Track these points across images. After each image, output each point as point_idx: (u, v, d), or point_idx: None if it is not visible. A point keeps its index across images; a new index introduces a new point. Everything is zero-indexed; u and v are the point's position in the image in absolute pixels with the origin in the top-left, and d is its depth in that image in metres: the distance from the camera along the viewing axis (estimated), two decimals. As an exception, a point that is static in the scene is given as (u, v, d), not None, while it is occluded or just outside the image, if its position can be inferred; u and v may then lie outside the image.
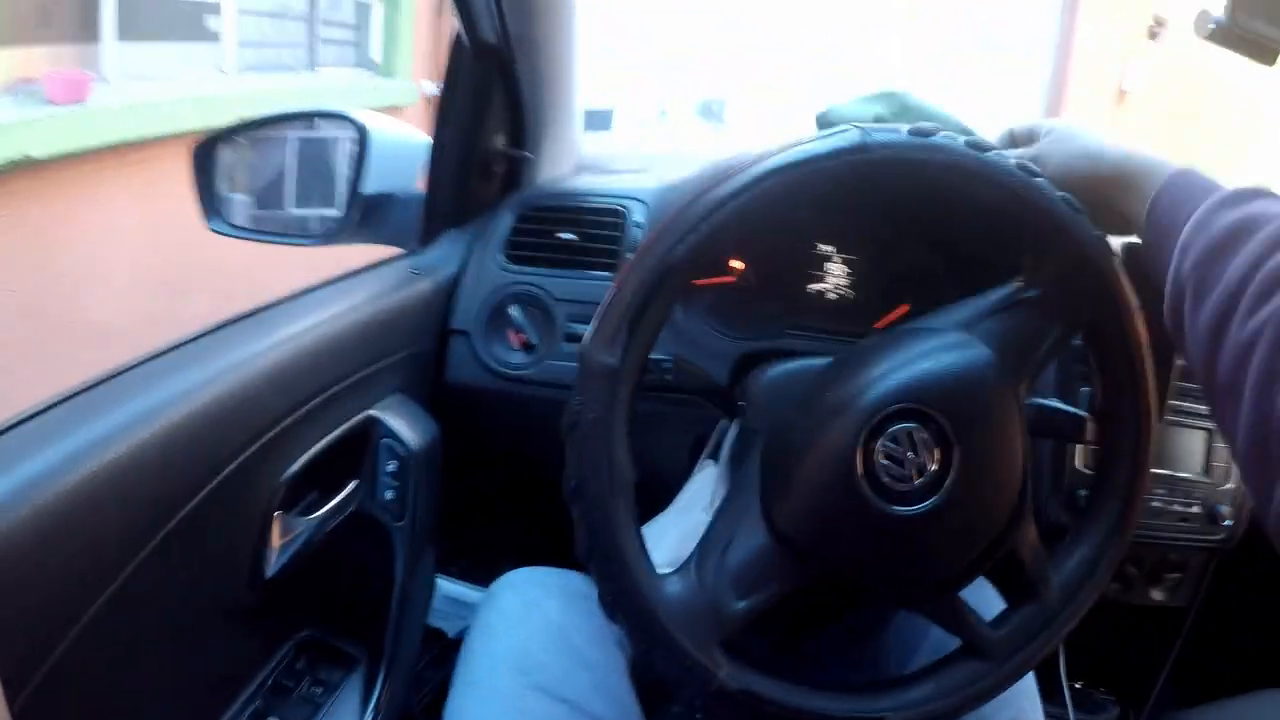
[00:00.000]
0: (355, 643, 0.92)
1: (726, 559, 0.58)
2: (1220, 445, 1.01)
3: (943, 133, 0.57)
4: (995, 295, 0.59)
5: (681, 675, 0.57)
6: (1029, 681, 0.77)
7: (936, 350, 0.57)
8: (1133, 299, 0.59)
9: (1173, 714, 1.17)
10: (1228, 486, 1.00)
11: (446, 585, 1.13)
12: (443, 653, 1.16)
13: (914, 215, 0.89)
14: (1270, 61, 0.64)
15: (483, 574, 1.01)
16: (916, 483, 0.54)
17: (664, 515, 0.80)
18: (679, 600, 0.57)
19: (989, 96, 5.36)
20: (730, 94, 5.33)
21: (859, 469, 0.54)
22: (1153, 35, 4.72)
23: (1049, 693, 1.14)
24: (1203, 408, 0.99)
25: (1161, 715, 1.23)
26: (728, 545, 0.58)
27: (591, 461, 0.55)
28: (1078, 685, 1.24)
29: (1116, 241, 0.70)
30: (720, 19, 5.35)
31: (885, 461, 0.54)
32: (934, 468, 0.54)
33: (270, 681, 0.86)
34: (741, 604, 0.57)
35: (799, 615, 0.99)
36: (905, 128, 0.56)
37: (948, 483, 0.54)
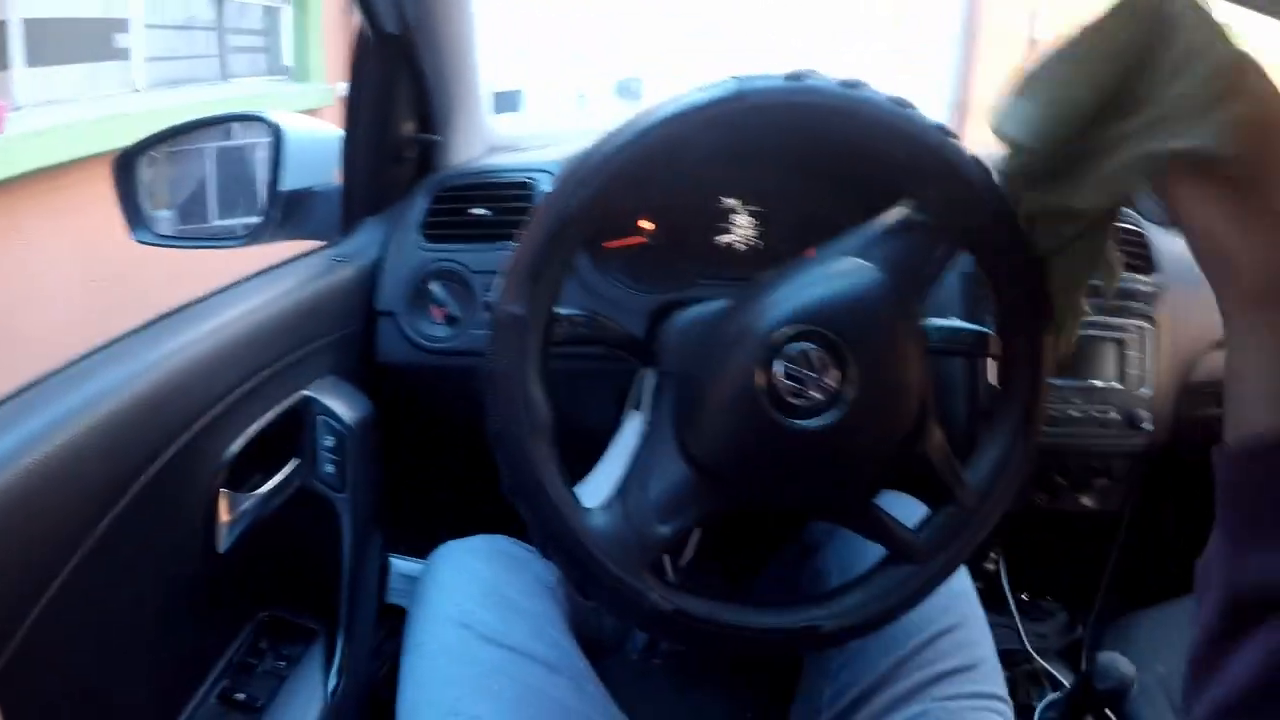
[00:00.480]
0: (313, 617, 0.97)
1: (647, 490, 0.62)
2: (1132, 354, 1.07)
3: (816, 75, 0.59)
4: (883, 222, 0.63)
5: (615, 601, 0.60)
6: (968, 588, 0.82)
7: (828, 276, 0.61)
8: (1012, 214, 0.61)
9: (1118, 618, 1.25)
10: (1143, 392, 1.07)
11: (402, 564, 1.16)
12: (401, 627, 1.20)
13: (811, 162, 0.95)
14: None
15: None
16: (818, 398, 0.58)
17: (597, 467, 0.84)
18: (605, 530, 0.60)
19: (902, 54, 5.48)
20: (648, 73, 5.35)
21: (762, 390, 0.58)
22: (1059, -15, 4.86)
23: (996, 605, 1.23)
24: (1113, 319, 1.07)
25: (1106, 619, 1.29)
26: (648, 477, 0.62)
27: (508, 405, 0.58)
28: (1024, 596, 1.30)
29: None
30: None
31: (786, 381, 0.58)
32: (833, 384, 0.58)
33: (236, 660, 0.90)
34: (664, 529, 0.61)
35: (741, 544, 1.05)
36: (781, 73, 0.59)
37: (847, 395, 0.58)
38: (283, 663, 0.93)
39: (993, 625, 0.82)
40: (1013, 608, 1.20)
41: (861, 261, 0.61)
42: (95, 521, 0.64)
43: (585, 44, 5.37)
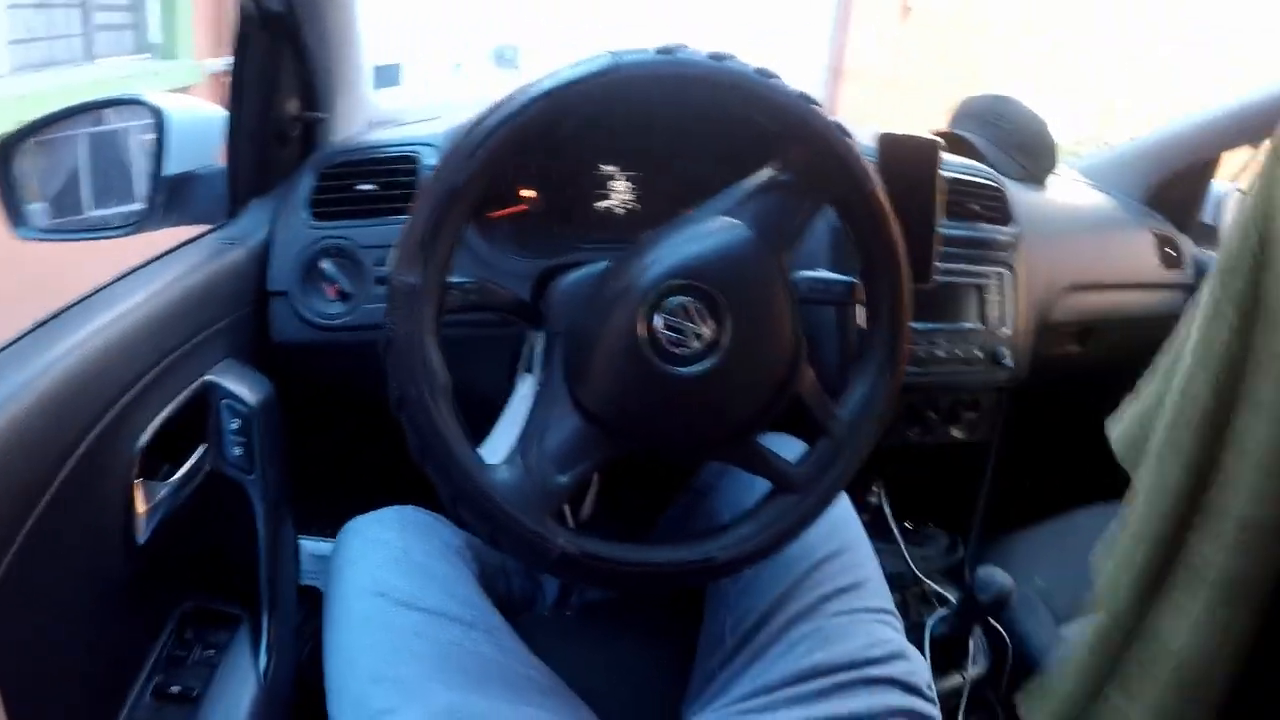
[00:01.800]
0: (235, 604, 0.97)
1: (545, 443, 0.66)
2: (992, 298, 1.16)
3: (686, 48, 0.64)
4: (752, 182, 0.68)
5: (525, 550, 0.65)
6: (850, 515, 0.88)
7: (701, 234, 0.66)
8: (871, 171, 0.68)
9: (995, 538, 1.35)
10: (1004, 331, 1.17)
11: (313, 545, 1.16)
12: (318, 607, 1.21)
13: (685, 129, 0.99)
14: None
15: (347, 529, 1.06)
16: (696, 347, 0.64)
17: (495, 429, 0.87)
18: (508, 484, 0.64)
19: (777, 19, 5.57)
20: (524, 40, 5.28)
21: (644, 340, 0.63)
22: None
23: (882, 534, 1.31)
24: (974, 267, 1.15)
25: (985, 540, 1.39)
26: (544, 432, 0.66)
27: (408, 370, 0.62)
28: (907, 524, 1.39)
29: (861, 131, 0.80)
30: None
31: (667, 332, 0.63)
32: (710, 333, 0.64)
33: (166, 653, 0.90)
34: (563, 478, 0.65)
35: (638, 493, 1.10)
36: (653, 47, 0.64)
37: (724, 343, 0.64)
38: (211, 651, 0.93)
39: (880, 552, 0.88)
40: (897, 535, 1.29)
41: (732, 219, 0.66)
42: (15, 527, 0.63)
43: (459, 12, 5.25)
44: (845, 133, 0.68)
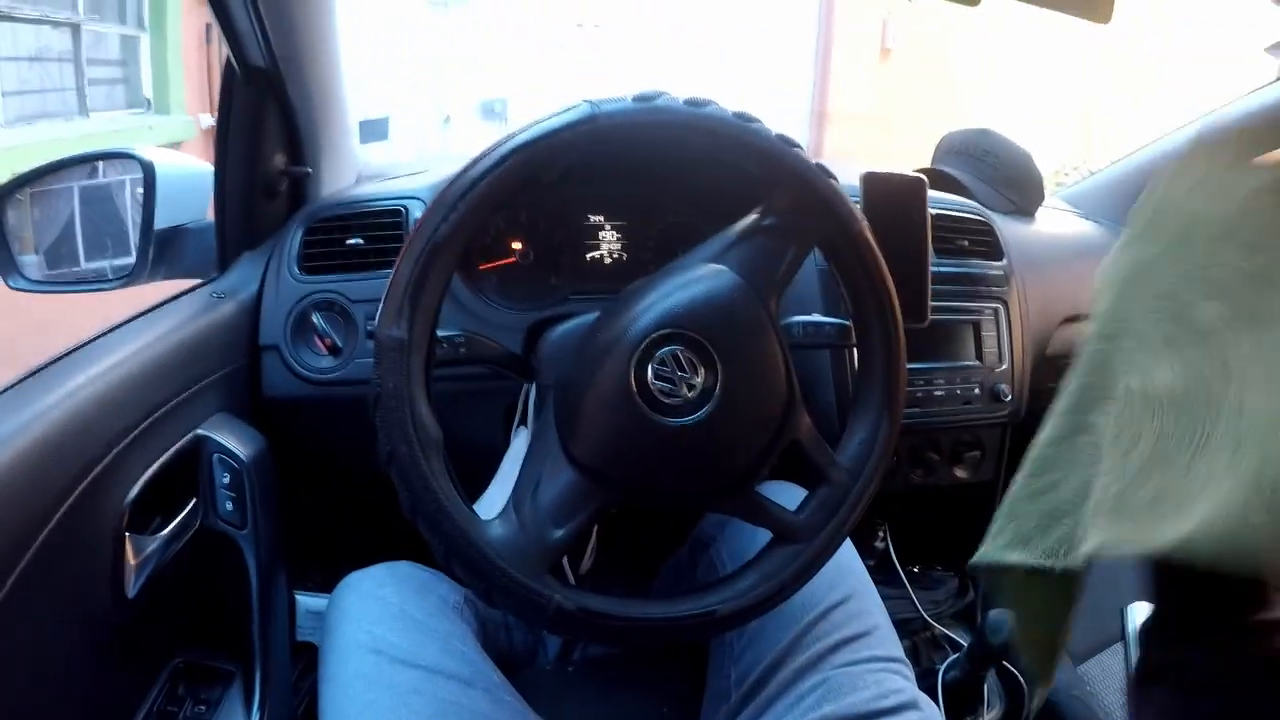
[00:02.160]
0: (227, 659, 0.96)
1: (539, 498, 0.64)
2: (988, 334, 1.15)
3: (665, 96, 0.64)
4: (737, 228, 0.68)
5: (520, 606, 0.63)
6: (855, 562, 0.86)
7: (689, 282, 0.65)
8: (856, 212, 0.68)
9: None
10: (1002, 368, 1.15)
11: (309, 600, 1.15)
12: (314, 663, 1.19)
13: (669, 177, 1.00)
14: None
15: (343, 584, 1.04)
16: (689, 396, 0.62)
17: (492, 484, 0.86)
18: (502, 539, 0.63)
19: (761, 65, 5.66)
20: (512, 93, 5.36)
21: (634, 392, 0.62)
22: (909, -2, 5.12)
23: (890, 580, 1.29)
24: (968, 304, 1.15)
25: None
26: (537, 486, 0.65)
27: (397, 426, 0.60)
28: (915, 569, 1.37)
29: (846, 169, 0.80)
30: (497, 21, 5.37)
31: (658, 382, 0.62)
32: (702, 381, 0.63)
33: (156, 708, 0.89)
34: (559, 533, 0.63)
35: (637, 547, 1.08)
36: (632, 95, 0.63)
37: (716, 392, 0.63)
38: (203, 707, 0.92)
39: (888, 598, 0.86)
40: (904, 580, 1.27)
41: (718, 266, 0.66)
42: (3, 577, 0.63)
43: (447, 67, 5.34)
44: (828, 174, 0.67)
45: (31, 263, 1.05)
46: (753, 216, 0.68)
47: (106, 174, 1.12)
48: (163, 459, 0.81)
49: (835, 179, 0.68)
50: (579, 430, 0.65)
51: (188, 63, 3.66)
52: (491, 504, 0.79)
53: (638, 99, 0.63)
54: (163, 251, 1.00)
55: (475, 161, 0.62)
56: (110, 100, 3.53)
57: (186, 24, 3.62)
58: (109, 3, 3.53)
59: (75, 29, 3.26)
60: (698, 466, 0.65)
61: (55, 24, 3.20)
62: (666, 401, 0.62)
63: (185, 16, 3.60)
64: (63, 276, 1.09)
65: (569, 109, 0.63)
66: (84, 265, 1.11)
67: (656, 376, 0.62)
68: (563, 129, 0.62)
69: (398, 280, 0.62)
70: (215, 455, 0.88)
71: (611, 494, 0.65)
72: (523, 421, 0.90)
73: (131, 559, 0.78)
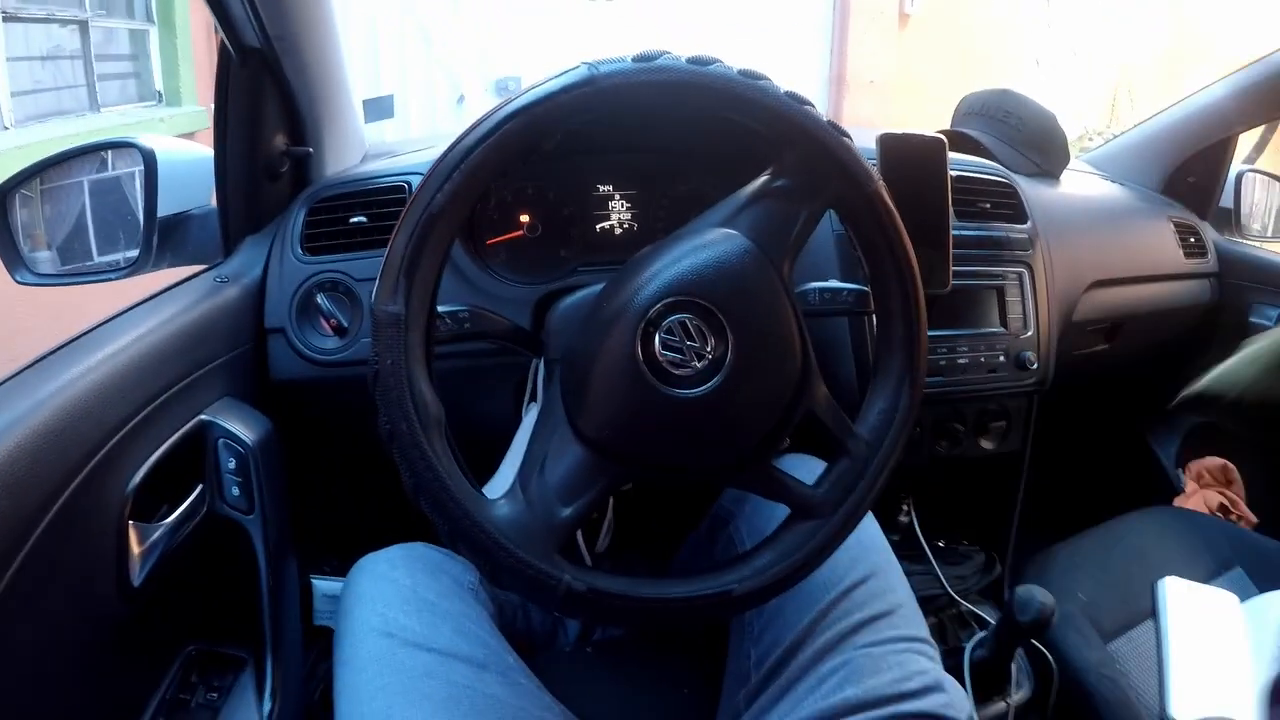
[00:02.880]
0: (240, 646, 0.95)
1: (545, 475, 0.62)
2: (1012, 299, 1.11)
3: (667, 55, 0.61)
4: (748, 190, 0.65)
5: (528, 587, 0.61)
6: (878, 538, 0.83)
7: (698, 247, 0.62)
8: (871, 171, 0.64)
9: (1034, 553, 1.31)
10: (1028, 335, 1.11)
11: (324, 584, 1.15)
12: (330, 647, 1.19)
13: (680, 143, 0.97)
14: None
15: (356, 567, 1.04)
16: (699, 366, 0.60)
17: (503, 463, 0.85)
18: (509, 519, 0.61)
19: (778, 31, 5.59)
20: (526, 71, 5.33)
21: (642, 362, 0.59)
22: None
23: (914, 555, 1.26)
24: (992, 268, 1.11)
25: (1023, 555, 1.31)
26: (544, 463, 0.63)
27: (396, 404, 0.58)
28: (940, 544, 1.34)
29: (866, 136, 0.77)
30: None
31: (666, 353, 0.59)
32: (712, 351, 0.60)
33: (168, 697, 0.88)
34: (567, 511, 0.61)
35: (655, 526, 1.06)
36: (632, 56, 0.61)
37: (727, 361, 0.60)
38: (215, 694, 0.91)
39: (912, 574, 0.84)
40: (929, 555, 1.24)
41: (729, 230, 0.63)
42: (3, 565, 0.62)
43: (462, 46, 5.31)
44: (841, 132, 0.64)
45: (45, 258, 1.05)
46: (763, 178, 0.65)
47: (115, 166, 1.12)
48: (166, 445, 0.80)
49: (849, 136, 0.65)
50: (586, 404, 0.62)
51: (197, 53, 3.67)
52: (503, 483, 0.77)
53: (638, 59, 0.60)
54: (167, 239, 0.99)
55: (472, 128, 0.60)
56: (122, 95, 3.55)
57: (194, 15, 3.62)
58: (117, -1, 3.55)
59: (83, 26, 3.27)
60: (709, 440, 0.63)
61: (64, 22, 3.21)
62: (675, 372, 0.60)
63: (193, 8, 3.60)
64: (70, 270, 1.08)
65: (566, 71, 0.60)
66: (94, 258, 1.11)
67: (665, 346, 0.60)
68: (560, 92, 0.59)
69: (393, 253, 0.59)
70: (220, 440, 0.86)
71: (620, 470, 0.63)
72: (533, 398, 0.88)
73: (135, 547, 0.77)
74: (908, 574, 0.82)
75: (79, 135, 3.01)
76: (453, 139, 0.61)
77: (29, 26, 3.06)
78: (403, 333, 0.59)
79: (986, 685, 1.10)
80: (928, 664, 0.73)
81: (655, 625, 0.85)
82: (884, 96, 5.69)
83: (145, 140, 1.00)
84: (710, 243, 0.62)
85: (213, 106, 0.99)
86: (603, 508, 0.89)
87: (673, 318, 0.60)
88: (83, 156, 1.06)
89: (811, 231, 0.66)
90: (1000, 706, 1.08)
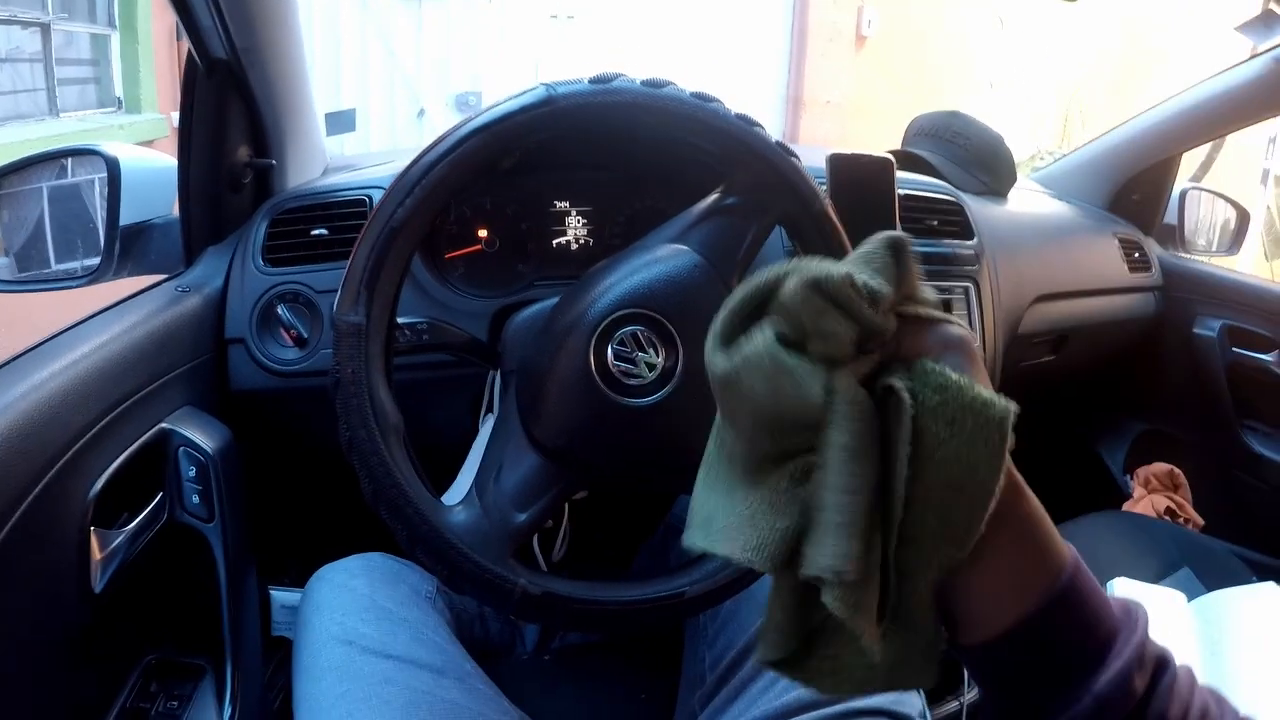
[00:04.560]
0: (199, 654, 0.95)
1: (501, 482, 0.64)
2: (959, 313, 1.15)
3: (622, 78, 0.64)
4: (699, 208, 0.68)
5: (484, 592, 0.62)
6: None
7: (650, 262, 0.65)
8: (817, 189, 0.67)
9: None
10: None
11: (285, 595, 1.14)
12: (289, 657, 1.19)
13: (636, 161, 0.99)
14: None
15: (315, 577, 1.04)
16: (649, 376, 0.62)
17: (461, 472, 0.87)
18: (465, 525, 0.62)
19: (736, 52, 5.66)
20: (486, 86, 5.35)
21: (595, 372, 0.62)
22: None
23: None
24: (940, 283, 1.14)
25: None
26: (500, 470, 0.65)
27: (357, 412, 0.60)
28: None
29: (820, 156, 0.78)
30: (469, 15, 5.34)
31: (618, 363, 0.62)
32: (663, 362, 0.63)
33: (128, 706, 0.88)
34: (522, 517, 0.63)
35: (612, 533, 1.08)
36: (589, 78, 0.63)
37: (677, 372, 0.63)
38: (175, 703, 0.91)
39: None
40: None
41: (679, 246, 0.65)
42: None
43: (422, 60, 5.32)
44: (789, 152, 0.67)
45: (1, 265, 1.04)
46: (714, 196, 0.68)
47: (75, 173, 1.11)
48: (127, 453, 0.81)
49: (796, 156, 0.68)
50: (541, 413, 0.64)
51: (159, 61, 3.63)
52: (460, 491, 0.78)
53: (594, 81, 0.63)
54: (129, 248, 1.00)
55: (432, 146, 0.62)
56: (82, 100, 3.50)
57: (157, 22, 3.59)
58: (79, 2, 3.50)
59: (45, 29, 3.22)
60: (660, 447, 0.65)
61: (25, 24, 3.16)
62: (627, 382, 0.62)
63: (155, 14, 3.56)
64: (29, 277, 1.08)
65: (525, 92, 0.63)
66: (53, 265, 1.10)
67: (617, 357, 0.62)
68: (518, 112, 0.62)
69: (355, 265, 0.61)
70: (181, 448, 0.87)
71: (574, 476, 0.65)
72: (489, 409, 0.89)
73: (97, 553, 0.77)
74: None
75: (38, 140, 2.97)
76: (413, 153, 0.63)
77: (-11, 29, 3.01)
78: (363, 342, 0.61)
79: (940, 685, 1.13)
80: None
81: (610, 629, 0.87)
82: (841, 117, 5.78)
83: (109, 148, 1.00)
84: (662, 258, 0.65)
85: (173, 114, 0.99)
86: (559, 517, 0.90)
87: (625, 329, 0.63)
88: (43, 164, 1.07)
89: (760, 247, 0.68)
90: (953, 706, 1.11)
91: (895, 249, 0.35)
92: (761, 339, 0.34)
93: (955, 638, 0.38)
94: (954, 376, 0.33)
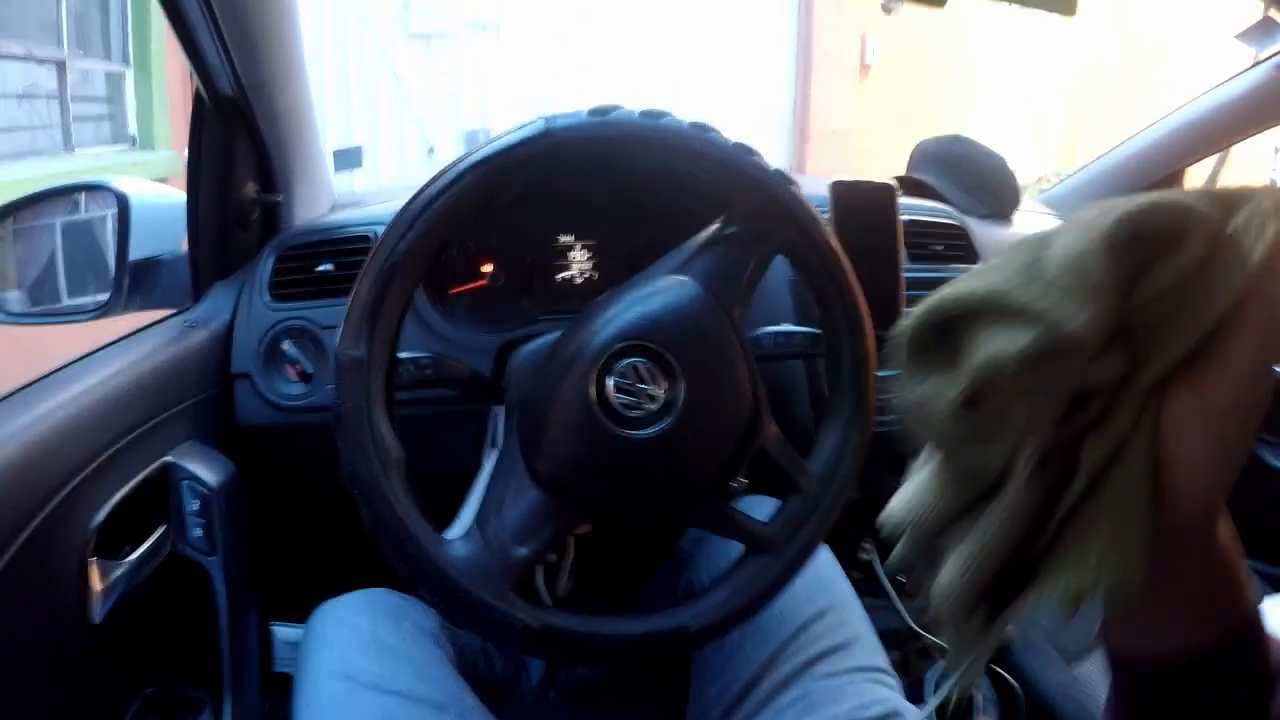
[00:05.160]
0: (198, 688, 0.95)
1: (503, 516, 0.64)
2: None
3: (620, 109, 0.64)
4: (699, 238, 0.67)
5: (484, 626, 0.62)
6: (834, 573, 0.85)
7: (651, 294, 0.65)
8: (817, 217, 0.67)
9: None
10: None
11: (285, 631, 1.14)
12: (290, 693, 1.18)
13: (638, 194, 1.00)
14: None
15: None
16: (651, 408, 0.62)
17: (464, 508, 0.86)
18: (466, 559, 0.62)
19: (740, 85, 5.70)
20: (496, 124, 5.40)
21: (596, 405, 0.62)
22: (887, 10, 5.16)
23: (876, 590, 1.27)
24: None
25: None
26: (501, 504, 0.65)
27: (358, 446, 0.60)
28: (901, 578, 1.31)
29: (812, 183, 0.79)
30: (479, 54, 5.41)
31: (620, 395, 0.62)
32: (664, 393, 0.62)
33: (125, 739, 0.87)
34: (523, 550, 0.63)
35: (617, 566, 1.07)
36: (586, 109, 0.64)
37: (679, 403, 0.62)
38: (172, 737, 0.91)
39: (874, 608, 0.84)
40: (889, 589, 1.25)
41: (680, 277, 0.65)
42: None
43: (432, 98, 5.38)
44: (788, 180, 0.67)
45: (14, 298, 1.05)
46: (714, 226, 0.68)
47: (89, 209, 1.13)
48: (130, 485, 0.81)
49: (795, 184, 0.68)
50: (542, 446, 0.64)
51: (172, 98, 3.69)
52: (463, 527, 0.78)
53: (592, 113, 0.64)
54: (138, 283, 1.00)
55: (432, 180, 0.63)
56: (97, 137, 3.55)
57: (171, 60, 3.65)
58: (94, 40, 3.56)
59: (60, 66, 3.28)
60: (662, 479, 0.65)
61: (41, 61, 3.22)
62: (628, 414, 0.62)
63: (169, 52, 3.62)
64: (40, 310, 1.09)
65: (523, 125, 0.63)
66: (64, 299, 1.11)
67: (618, 389, 0.62)
68: (517, 145, 0.62)
69: (357, 299, 0.62)
70: (184, 482, 0.87)
71: (576, 510, 0.65)
72: (493, 444, 0.89)
73: (97, 584, 0.77)
74: (869, 609, 0.83)
75: (53, 176, 3.01)
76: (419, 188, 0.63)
77: (6, 64, 3.06)
78: (365, 376, 0.61)
79: (951, 715, 1.11)
80: (887, 693, 0.74)
81: (613, 663, 0.86)
82: (847, 146, 5.80)
83: (119, 184, 1.01)
84: (663, 289, 0.65)
85: (185, 152, 1.01)
86: (563, 550, 0.90)
87: (625, 361, 0.62)
88: (56, 198, 1.08)
89: (761, 276, 0.68)
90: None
91: (1116, 244, 0.30)
92: (941, 401, 0.32)
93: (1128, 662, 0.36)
94: None
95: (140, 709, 0.90)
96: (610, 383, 0.62)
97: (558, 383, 0.63)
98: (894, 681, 0.76)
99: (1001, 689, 1.14)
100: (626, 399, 0.62)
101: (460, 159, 0.63)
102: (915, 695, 1.09)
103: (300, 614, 1.02)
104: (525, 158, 0.62)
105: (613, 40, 5.46)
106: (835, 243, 0.68)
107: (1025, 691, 1.11)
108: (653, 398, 0.62)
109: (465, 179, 0.62)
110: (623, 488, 0.65)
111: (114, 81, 3.68)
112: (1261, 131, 1.44)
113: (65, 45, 3.33)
